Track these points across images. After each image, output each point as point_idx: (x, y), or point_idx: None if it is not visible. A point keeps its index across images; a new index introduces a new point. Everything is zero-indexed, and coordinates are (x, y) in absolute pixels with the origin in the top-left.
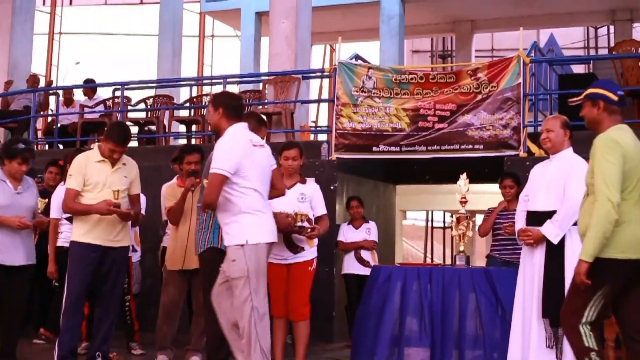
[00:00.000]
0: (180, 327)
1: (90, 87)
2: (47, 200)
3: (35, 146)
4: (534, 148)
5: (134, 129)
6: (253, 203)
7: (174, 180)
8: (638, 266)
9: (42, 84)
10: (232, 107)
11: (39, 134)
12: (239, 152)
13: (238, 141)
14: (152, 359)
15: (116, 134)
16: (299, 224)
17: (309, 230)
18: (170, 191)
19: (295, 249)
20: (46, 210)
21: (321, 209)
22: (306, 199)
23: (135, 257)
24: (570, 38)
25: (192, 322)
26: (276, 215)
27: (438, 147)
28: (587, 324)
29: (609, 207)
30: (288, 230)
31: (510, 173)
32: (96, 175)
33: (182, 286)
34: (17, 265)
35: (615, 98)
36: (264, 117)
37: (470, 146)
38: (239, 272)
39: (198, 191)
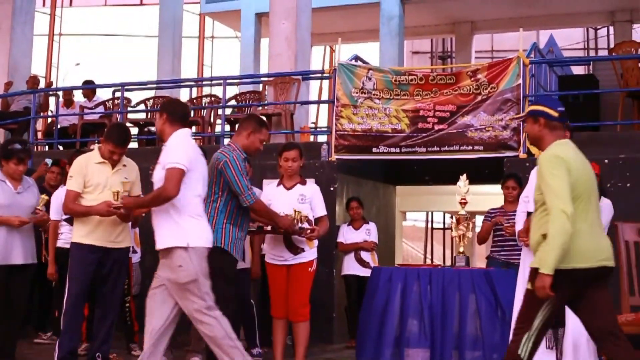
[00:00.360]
0: (180, 329)
1: (90, 88)
2: (48, 197)
3: (35, 147)
4: (533, 149)
5: (134, 130)
6: (196, 208)
7: None
8: (588, 274)
9: (41, 85)
10: (176, 113)
11: (39, 135)
12: (192, 153)
13: (190, 143)
14: None
15: (116, 135)
16: (299, 225)
17: (309, 231)
18: None
19: (295, 250)
20: (46, 208)
21: (321, 210)
22: (306, 200)
23: (136, 258)
24: (570, 39)
25: (191, 322)
26: (278, 217)
27: (438, 148)
28: (534, 334)
29: (564, 219)
30: (289, 231)
31: (513, 174)
32: (96, 177)
33: None
34: (18, 265)
35: (556, 114)
36: (263, 118)
37: (470, 147)
38: (188, 276)
39: None
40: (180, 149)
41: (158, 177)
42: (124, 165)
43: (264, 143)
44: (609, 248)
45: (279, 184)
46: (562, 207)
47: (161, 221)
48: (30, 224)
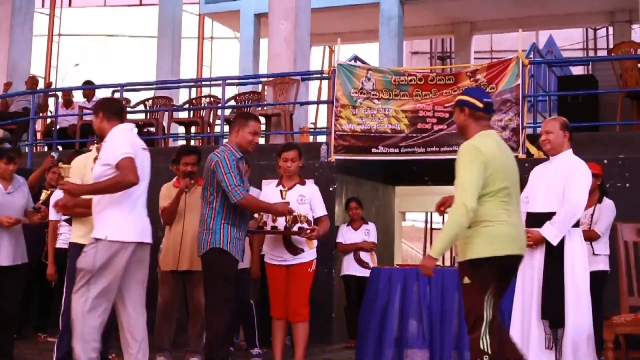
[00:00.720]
0: (179, 329)
1: (89, 88)
2: (49, 192)
3: (34, 148)
4: (532, 149)
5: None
6: (124, 202)
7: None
8: (508, 261)
9: (40, 85)
10: (111, 110)
11: (38, 135)
12: (132, 145)
13: (130, 136)
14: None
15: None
16: (299, 225)
17: (308, 231)
18: (165, 191)
19: (295, 250)
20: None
21: (321, 210)
22: (305, 200)
23: None
24: (569, 39)
25: (189, 324)
26: (271, 206)
27: (437, 149)
28: (489, 327)
29: (462, 212)
30: (285, 213)
31: None
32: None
33: (177, 287)
34: (7, 266)
35: (481, 105)
36: (253, 113)
37: None
38: (85, 264)
39: (193, 192)
40: (122, 140)
41: (97, 174)
42: None
43: (258, 135)
44: (524, 237)
45: (278, 184)
46: (464, 200)
47: (94, 208)
48: (19, 224)
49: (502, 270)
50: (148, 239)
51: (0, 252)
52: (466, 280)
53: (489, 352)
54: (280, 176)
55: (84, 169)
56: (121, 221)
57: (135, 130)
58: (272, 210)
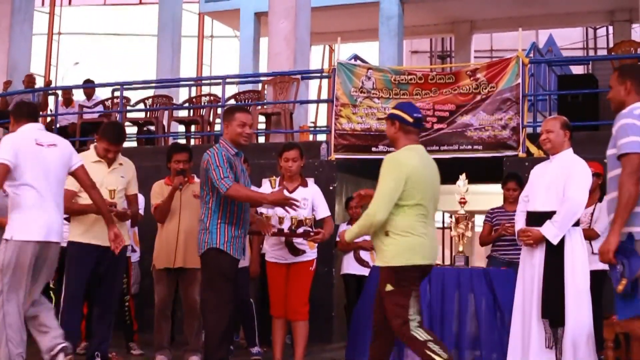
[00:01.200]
0: (178, 328)
1: (89, 87)
2: None
3: None
4: (533, 148)
5: (133, 129)
6: (26, 200)
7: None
8: (425, 270)
9: (40, 84)
10: (19, 112)
11: None
12: (20, 146)
13: (22, 136)
14: (151, 359)
15: (110, 133)
16: (304, 227)
17: (312, 233)
18: (157, 189)
19: (297, 252)
20: None
21: (324, 211)
22: (307, 203)
23: (135, 257)
24: (569, 39)
25: (184, 322)
26: (264, 196)
27: (437, 148)
28: (417, 322)
29: (371, 220)
30: (281, 203)
31: (514, 175)
32: (93, 176)
33: (171, 284)
34: None
35: (411, 120)
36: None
37: (470, 147)
38: None
39: (185, 190)
40: (5, 144)
41: None
42: (120, 164)
43: (248, 125)
44: (437, 249)
45: (279, 184)
46: (376, 211)
47: (9, 214)
48: None
49: (420, 277)
50: (55, 238)
51: None
52: (389, 287)
53: (429, 337)
54: (282, 176)
55: None
56: (26, 221)
57: (41, 129)
58: (264, 200)
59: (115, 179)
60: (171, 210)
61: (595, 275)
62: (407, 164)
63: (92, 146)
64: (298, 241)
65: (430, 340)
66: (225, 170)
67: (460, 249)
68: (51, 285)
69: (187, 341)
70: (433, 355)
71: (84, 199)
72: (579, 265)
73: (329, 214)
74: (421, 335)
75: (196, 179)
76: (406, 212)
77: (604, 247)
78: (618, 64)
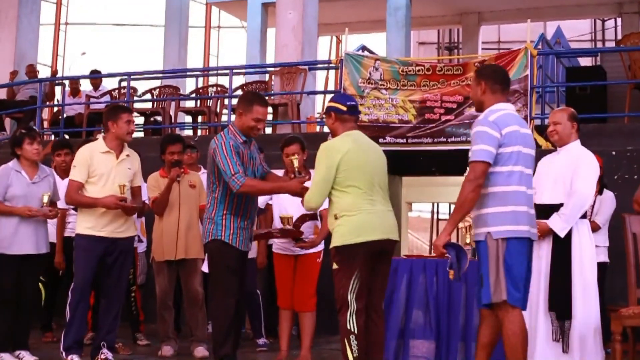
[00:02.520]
0: (183, 318)
1: (96, 77)
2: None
3: (41, 137)
4: (540, 140)
5: (140, 120)
6: None
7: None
8: (373, 247)
9: (47, 74)
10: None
11: (45, 124)
12: None
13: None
14: (156, 350)
15: (121, 108)
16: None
17: (304, 241)
18: (153, 182)
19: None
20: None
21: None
22: None
23: (141, 247)
24: (577, 30)
25: (186, 313)
26: (281, 186)
27: (444, 139)
28: (354, 309)
29: (307, 206)
30: (299, 193)
31: None
32: (102, 167)
33: (172, 275)
34: (29, 254)
35: (344, 108)
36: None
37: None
38: None
39: (183, 181)
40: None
41: None
42: (127, 155)
43: (263, 121)
44: (394, 224)
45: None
46: (310, 197)
47: None
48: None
49: (369, 255)
50: None
51: (25, 241)
52: (335, 266)
53: (355, 331)
54: (285, 170)
55: (90, 159)
56: None
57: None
58: (282, 190)
59: (123, 171)
60: (170, 203)
61: (597, 268)
62: (339, 150)
63: (99, 136)
64: (305, 236)
65: (353, 334)
66: (235, 163)
67: (467, 240)
68: (41, 278)
69: (190, 332)
70: (348, 349)
71: (92, 192)
72: (587, 258)
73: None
74: (351, 324)
75: (197, 170)
76: (349, 193)
77: (434, 242)
78: (627, 56)
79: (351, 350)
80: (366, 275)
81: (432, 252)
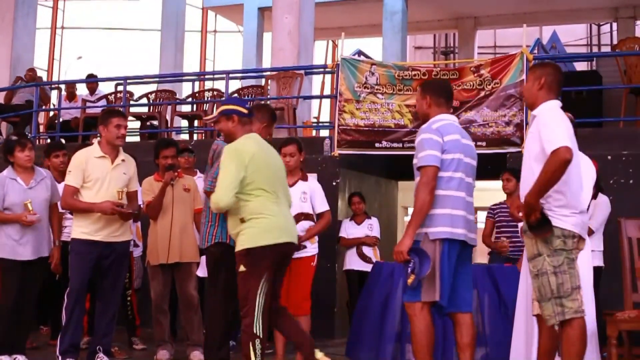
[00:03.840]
0: (179, 322)
1: (92, 81)
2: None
3: (37, 140)
4: None
5: (136, 124)
6: None
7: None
8: (282, 249)
9: (43, 78)
10: None
11: (41, 128)
12: None
13: None
14: (152, 354)
15: (116, 111)
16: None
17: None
18: (147, 186)
19: (297, 247)
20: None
21: (321, 206)
22: (307, 198)
23: (137, 252)
24: (573, 35)
25: (182, 317)
26: None
27: None
28: (262, 310)
29: (216, 207)
30: None
31: (509, 168)
32: (97, 171)
33: (167, 279)
34: (29, 260)
35: (246, 111)
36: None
37: (473, 143)
38: None
39: (177, 185)
40: None
41: None
42: (123, 160)
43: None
44: (294, 228)
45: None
46: (219, 197)
47: None
48: (44, 216)
49: (277, 258)
50: None
51: (25, 247)
52: (242, 268)
53: (260, 335)
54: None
55: (85, 163)
56: None
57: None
58: None
59: (118, 176)
60: (163, 206)
61: (593, 272)
62: (246, 151)
63: (95, 141)
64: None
65: (259, 338)
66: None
67: None
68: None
69: (186, 336)
70: (252, 352)
71: (87, 197)
72: (583, 262)
73: (326, 208)
74: (257, 328)
75: (194, 174)
76: (255, 196)
77: (397, 248)
78: (622, 61)
79: (255, 353)
80: (272, 278)
81: (395, 257)
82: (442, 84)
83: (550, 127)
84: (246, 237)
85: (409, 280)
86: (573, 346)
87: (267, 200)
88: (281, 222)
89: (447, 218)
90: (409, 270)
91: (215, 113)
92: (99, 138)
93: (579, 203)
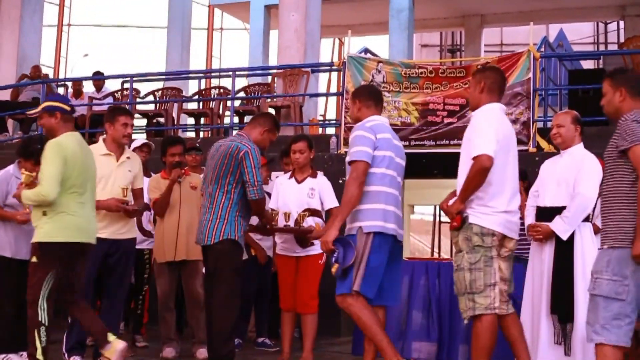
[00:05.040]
0: (185, 320)
1: (99, 79)
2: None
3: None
4: (543, 143)
5: (143, 122)
6: None
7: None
8: (75, 248)
9: (49, 75)
10: None
11: None
12: None
13: None
14: (158, 352)
15: (121, 109)
16: (303, 224)
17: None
18: (154, 183)
19: (305, 244)
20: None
21: (331, 202)
22: (315, 194)
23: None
24: (579, 33)
25: (188, 314)
26: (265, 215)
27: (447, 142)
28: (45, 300)
29: (44, 201)
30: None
31: None
32: (102, 169)
33: (173, 277)
34: (27, 259)
35: (69, 109)
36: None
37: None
38: None
39: (184, 183)
40: None
41: None
42: (128, 157)
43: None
44: (94, 229)
45: (291, 177)
46: (48, 191)
47: None
48: None
49: (69, 255)
50: None
51: (23, 247)
52: (34, 259)
53: (46, 323)
54: (293, 169)
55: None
56: None
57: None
58: (263, 218)
59: (123, 173)
60: (171, 204)
61: None
62: (67, 148)
63: (101, 138)
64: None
65: (44, 325)
66: (260, 174)
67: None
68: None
69: (192, 334)
70: (37, 339)
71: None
72: (590, 261)
73: (336, 204)
74: (42, 316)
75: (201, 172)
76: (63, 192)
77: (323, 238)
78: (629, 59)
79: (40, 340)
80: (65, 273)
81: (321, 247)
82: (370, 88)
83: (479, 132)
84: (43, 231)
85: (333, 269)
86: (479, 341)
87: (72, 199)
88: (80, 222)
89: (380, 213)
90: (333, 259)
91: (38, 108)
92: (104, 135)
93: (502, 203)
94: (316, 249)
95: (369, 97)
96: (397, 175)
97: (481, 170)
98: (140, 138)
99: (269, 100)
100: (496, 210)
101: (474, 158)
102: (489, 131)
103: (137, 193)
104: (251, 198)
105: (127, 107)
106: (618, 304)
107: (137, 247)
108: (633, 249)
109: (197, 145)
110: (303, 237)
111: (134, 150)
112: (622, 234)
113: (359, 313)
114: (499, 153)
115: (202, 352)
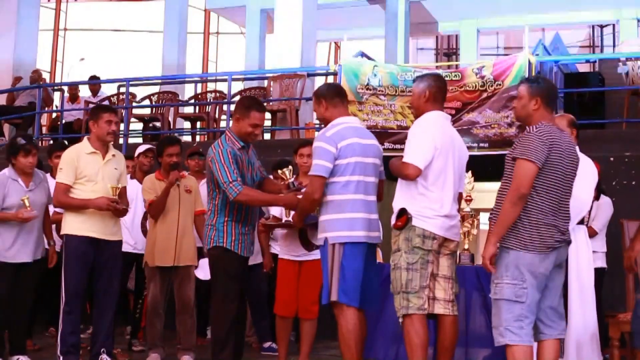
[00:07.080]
0: (171, 325)
1: (95, 83)
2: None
3: (40, 142)
4: None
5: (139, 126)
6: None
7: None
8: None
9: (46, 80)
10: None
11: (44, 130)
12: None
13: None
14: (145, 356)
15: (103, 107)
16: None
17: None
18: (149, 184)
19: (310, 247)
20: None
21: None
22: None
23: None
24: (575, 37)
25: (176, 320)
26: (276, 198)
27: None
28: None
29: None
30: (294, 206)
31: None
32: (89, 168)
33: (165, 282)
34: (24, 262)
35: None
36: (257, 98)
37: (476, 144)
38: None
39: (182, 185)
40: None
41: None
42: (113, 155)
43: (261, 127)
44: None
45: (295, 180)
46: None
47: None
48: (38, 219)
49: None
50: None
51: (21, 250)
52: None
53: None
54: (297, 173)
55: (77, 160)
56: None
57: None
58: (278, 203)
59: (110, 172)
60: (168, 207)
61: (594, 273)
62: None
63: (85, 138)
64: (312, 234)
65: None
66: (232, 171)
67: (466, 246)
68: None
69: (178, 339)
70: None
71: (81, 193)
72: (584, 263)
73: None
74: None
75: (203, 177)
76: None
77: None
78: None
79: None
80: None
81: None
82: (333, 85)
83: (413, 141)
84: None
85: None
86: (410, 338)
87: None
88: None
89: (346, 222)
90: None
91: None
92: (89, 135)
93: (443, 208)
94: (318, 253)
95: (333, 95)
96: (367, 177)
97: (404, 177)
98: (138, 142)
99: (265, 104)
100: (437, 214)
101: (403, 164)
102: (423, 141)
103: (122, 192)
104: (232, 199)
105: (124, 111)
106: (519, 306)
107: (139, 251)
108: (483, 252)
109: (200, 150)
110: (308, 240)
111: (138, 155)
112: (515, 235)
113: (343, 324)
114: (437, 159)
115: (187, 359)
